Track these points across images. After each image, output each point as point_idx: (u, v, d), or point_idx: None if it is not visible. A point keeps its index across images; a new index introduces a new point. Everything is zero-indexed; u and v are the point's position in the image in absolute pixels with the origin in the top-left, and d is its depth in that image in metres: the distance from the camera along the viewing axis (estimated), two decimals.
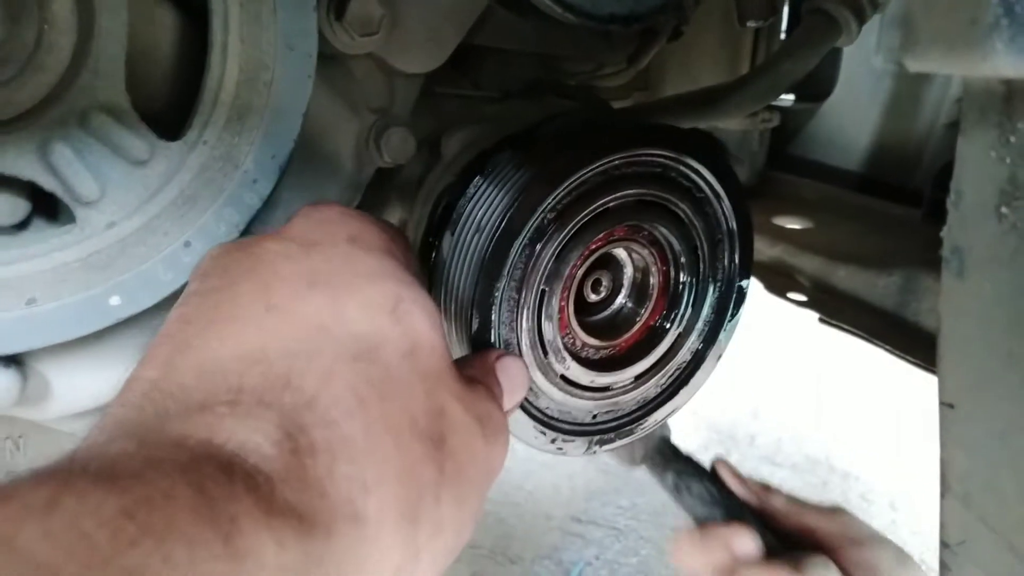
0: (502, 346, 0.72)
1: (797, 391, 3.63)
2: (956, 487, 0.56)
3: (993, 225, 0.44)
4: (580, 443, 0.83)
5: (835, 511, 0.88)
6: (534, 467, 2.98)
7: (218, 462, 0.34)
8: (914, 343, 1.31)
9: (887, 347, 1.35)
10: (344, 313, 0.45)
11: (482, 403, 0.51)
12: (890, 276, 1.35)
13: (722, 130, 1.59)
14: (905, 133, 1.49)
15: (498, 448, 0.50)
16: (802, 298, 1.50)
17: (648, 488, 2.94)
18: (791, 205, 1.56)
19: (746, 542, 0.81)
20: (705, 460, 0.96)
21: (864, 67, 1.51)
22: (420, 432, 0.44)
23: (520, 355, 0.74)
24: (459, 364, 0.52)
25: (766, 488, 0.92)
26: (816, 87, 1.57)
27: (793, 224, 1.53)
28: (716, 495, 0.90)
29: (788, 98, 1.51)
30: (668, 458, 0.93)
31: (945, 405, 0.52)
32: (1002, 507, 0.52)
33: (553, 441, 0.81)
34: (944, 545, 0.58)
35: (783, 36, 1.43)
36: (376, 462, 0.40)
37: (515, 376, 0.58)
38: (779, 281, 1.54)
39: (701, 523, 0.88)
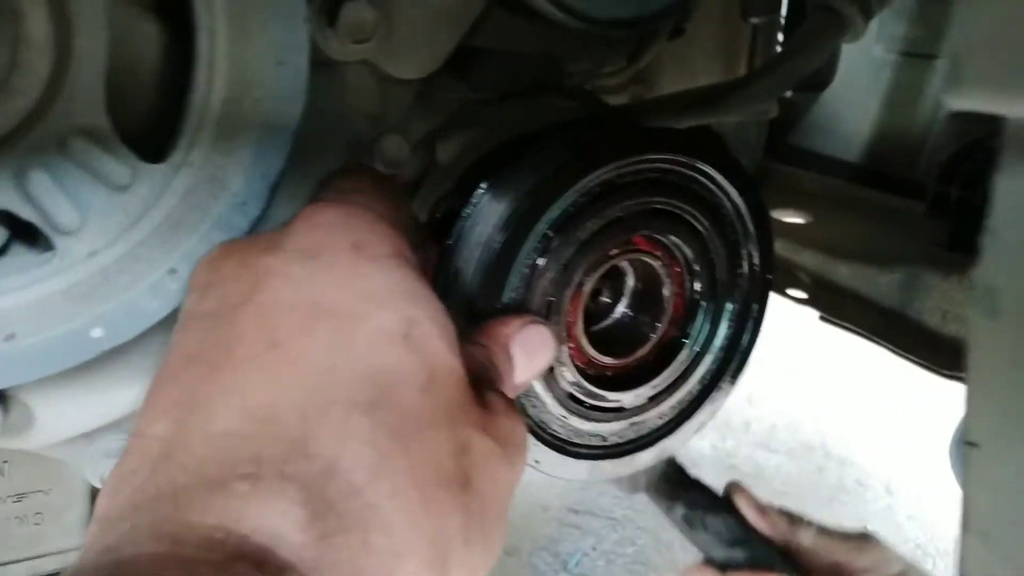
0: None
1: (792, 377, 3.62)
2: (976, 525, 0.54)
3: None
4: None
5: (866, 540, 0.80)
6: None
7: (249, 560, 0.33)
8: (917, 342, 1.29)
9: (889, 346, 1.33)
10: (353, 348, 0.42)
11: (501, 421, 0.48)
12: (892, 273, 1.33)
13: (719, 121, 1.56)
14: (906, 123, 1.46)
15: (519, 464, 0.49)
16: (802, 295, 1.48)
17: None
18: (790, 197, 1.54)
19: None
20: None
21: (864, 56, 1.49)
22: (446, 478, 0.42)
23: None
24: (467, 341, 0.50)
25: (791, 519, 0.81)
26: (815, 76, 1.54)
27: (793, 218, 1.50)
28: (736, 532, 0.78)
29: None
30: (676, 485, 0.82)
31: (970, 444, 0.50)
32: None
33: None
34: None
35: (780, 32, 1.40)
36: (406, 528, 0.39)
37: (535, 348, 0.56)
38: (779, 277, 1.52)
39: (719, 566, 0.78)
